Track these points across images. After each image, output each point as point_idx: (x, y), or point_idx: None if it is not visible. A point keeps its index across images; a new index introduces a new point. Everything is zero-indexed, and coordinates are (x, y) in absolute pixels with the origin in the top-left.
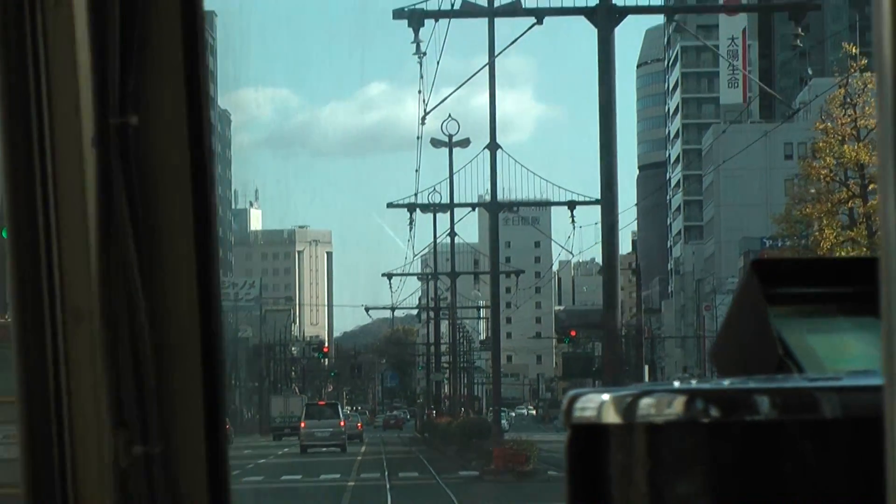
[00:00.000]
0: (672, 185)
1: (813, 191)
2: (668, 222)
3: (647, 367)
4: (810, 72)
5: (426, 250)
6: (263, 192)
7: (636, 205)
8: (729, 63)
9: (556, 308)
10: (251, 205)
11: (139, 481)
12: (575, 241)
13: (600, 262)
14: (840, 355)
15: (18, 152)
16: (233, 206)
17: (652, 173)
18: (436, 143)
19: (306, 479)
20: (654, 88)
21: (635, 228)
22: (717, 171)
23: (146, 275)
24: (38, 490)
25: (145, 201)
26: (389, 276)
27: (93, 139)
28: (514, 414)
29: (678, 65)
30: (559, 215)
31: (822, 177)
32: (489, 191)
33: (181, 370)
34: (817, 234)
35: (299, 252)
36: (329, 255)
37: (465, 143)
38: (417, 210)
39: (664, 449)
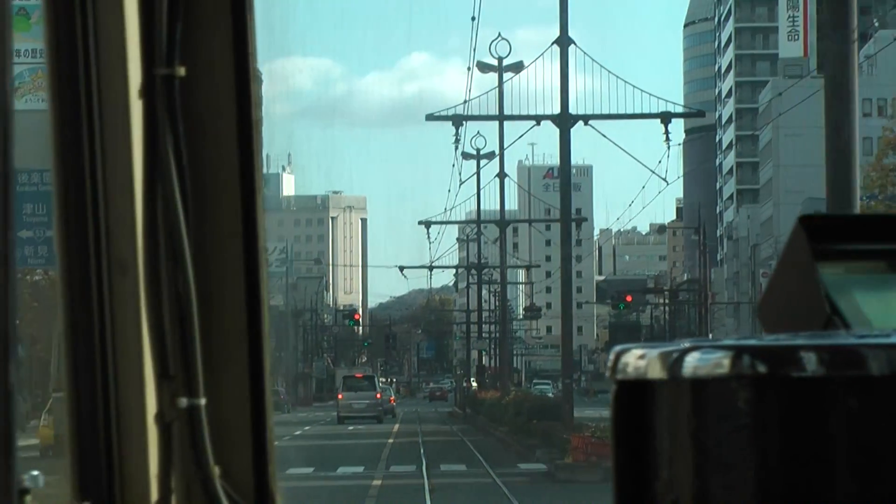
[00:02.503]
0: (723, 147)
1: None
2: (718, 186)
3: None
4: (876, 23)
5: (467, 201)
6: (297, 157)
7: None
8: (789, 14)
9: (598, 278)
10: (283, 169)
11: (184, 433)
12: (667, 161)
13: (642, 231)
14: (889, 313)
15: (65, 104)
16: (265, 171)
17: (698, 137)
18: (483, 66)
19: (318, 472)
20: (701, 49)
21: (679, 195)
22: (776, 129)
23: (191, 227)
24: (83, 443)
25: (191, 152)
26: (427, 224)
27: (139, 90)
28: (560, 386)
29: (731, 20)
30: (602, 180)
31: None
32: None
33: (225, 322)
34: None
35: (333, 218)
36: (364, 221)
37: (517, 67)
38: (464, 129)
39: (710, 405)
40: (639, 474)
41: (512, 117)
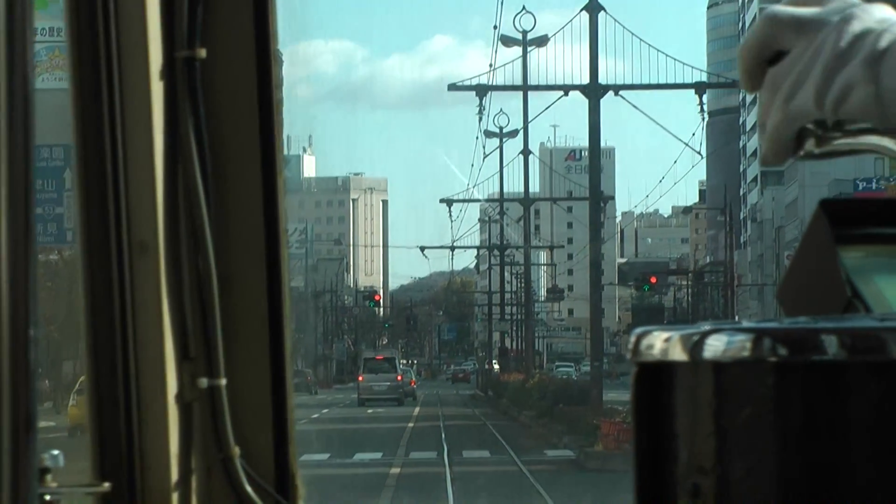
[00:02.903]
0: (747, 128)
1: None
2: (742, 168)
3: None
4: None
5: (489, 181)
6: (317, 138)
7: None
8: None
9: (619, 260)
10: (304, 151)
11: (204, 414)
12: (700, 134)
13: (664, 214)
14: None
15: (86, 85)
16: (286, 152)
17: (722, 119)
18: (507, 40)
19: (335, 458)
20: (725, 31)
21: (703, 177)
22: None
23: (211, 208)
24: (103, 422)
25: (212, 134)
26: (449, 202)
27: (160, 72)
28: (584, 369)
29: (756, 0)
30: (624, 163)
31: None
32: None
33: (246, 303)
34: None
35: (354, 200)
36: (385, 203)
37: (541, 40)
38: (488, 101)
39: (730, 387)
40: (659, 457)
41: (538, 87)
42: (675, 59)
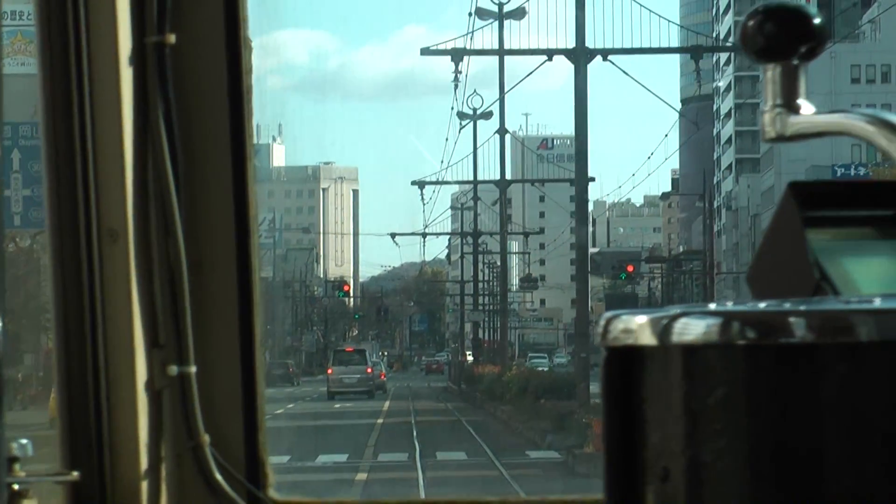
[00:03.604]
0: (721, 115)
1: None
2: (716, 156)
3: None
4: None
5: (461, 164)
6: (287, 127)
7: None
8: None
9: (591, 250)
10: (274, 140)
11: (174, 401)
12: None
13: (636, 203)
14: (876, 278)
15: (55, 71)
16: (255, 141)
17: (695, 107)
18: (482, 13)
19: (296, 461)
20: (699, 17)
21: (676, 165)
22: None
23: (181, 196)
24: (73, 411)
25: (182, 121)
26: (421, 184)
27: (130, 57)
28: (558, 361)
29: None
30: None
31: None
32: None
33: (216, 291)
34: None
35: (324, 189)
36: (355, 192)
37: (519, 13)
38: (465, 66)
39: (699, 371)
40: (629, 441)
41: (518, 52)
42: (668, 21)
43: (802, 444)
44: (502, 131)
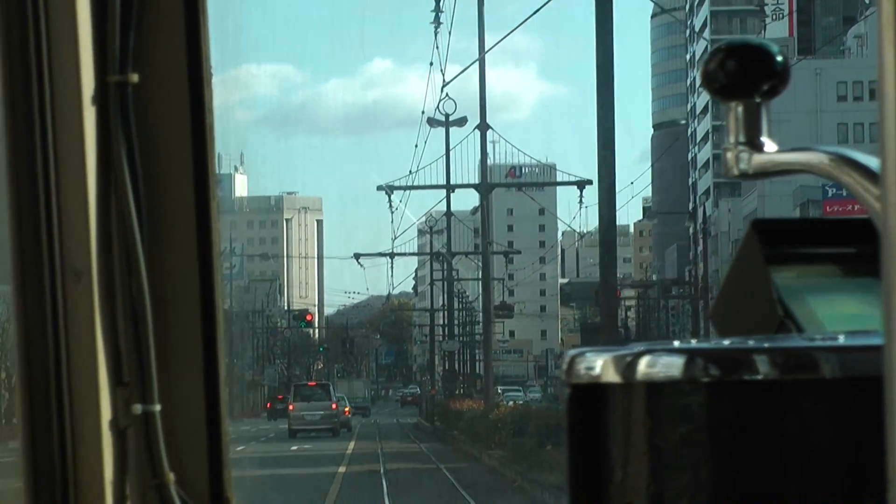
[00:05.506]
0: (698, 138)
1: None
2: (692, 181)
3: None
4: (867, 0)
5: (423, 219)
6: (249, 156)
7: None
8: None
9: (561, 281)
10: (236, 170)
11: (138, 439)
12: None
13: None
14: (840, 316)
15: (18, 110)
16: (217, 171)
17: (669, 132)
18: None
19: None
20: (670, 40)
21: (648, 194)
22: None
23: (145, 233)
24: (37, 449)
25: (144, 160)
26: (389, 190)
27: (92, 97)
28: (532, 395)
29: (706, 3)
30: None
31: None
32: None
33: (180, 328)
34: None
35: (287, 220)
36: (319, 223)
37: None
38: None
39: (663, 408)
40: (593, 478)
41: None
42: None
43: (766, 481)
44: (483, 128)
